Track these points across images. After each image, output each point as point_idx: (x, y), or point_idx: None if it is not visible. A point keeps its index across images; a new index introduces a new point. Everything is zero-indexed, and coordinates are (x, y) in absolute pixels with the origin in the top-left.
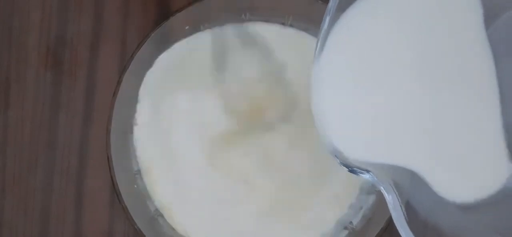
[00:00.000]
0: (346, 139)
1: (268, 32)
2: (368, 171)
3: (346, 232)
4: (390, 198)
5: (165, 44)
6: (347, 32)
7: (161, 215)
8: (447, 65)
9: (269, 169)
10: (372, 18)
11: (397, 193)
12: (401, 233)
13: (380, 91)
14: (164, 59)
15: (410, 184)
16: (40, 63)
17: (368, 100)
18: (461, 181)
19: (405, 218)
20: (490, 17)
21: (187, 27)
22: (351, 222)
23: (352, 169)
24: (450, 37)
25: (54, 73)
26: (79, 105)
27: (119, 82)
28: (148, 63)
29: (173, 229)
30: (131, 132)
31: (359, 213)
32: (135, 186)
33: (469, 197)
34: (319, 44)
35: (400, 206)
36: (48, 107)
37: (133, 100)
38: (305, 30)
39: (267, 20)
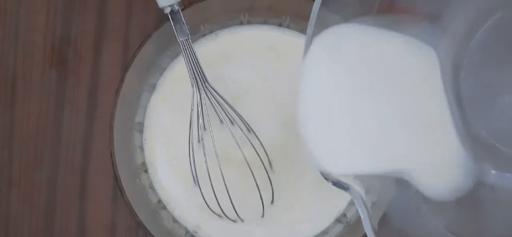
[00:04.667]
0: (329, 157)
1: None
2: (346, 188)
3: (341, 225)
4: (361, 213)
5: (166, 43)
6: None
7: (164, 207)
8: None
9: (272, 168)
10: (337, 53)
11: (369, 209)
12: None
13: (350, 115)
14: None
15: (383, 193)
16: (46, 61)
17: (344, 123)
18: (435, 183)
19: (373, 230)
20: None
21: (187, 27)
22: (345, 215)
23: (334, 182)
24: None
25: (59, 70)
26: (83, 102)
27: (122, 80)
28: (150, 62)
29: (174, 221)
30: (136, 128)
31: (354, 207)
32: (137, 180)
33: (443, 196)
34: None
35: (370, 221)
36: (53, 104)
37: (136, 97)
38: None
39: (265, 20)
